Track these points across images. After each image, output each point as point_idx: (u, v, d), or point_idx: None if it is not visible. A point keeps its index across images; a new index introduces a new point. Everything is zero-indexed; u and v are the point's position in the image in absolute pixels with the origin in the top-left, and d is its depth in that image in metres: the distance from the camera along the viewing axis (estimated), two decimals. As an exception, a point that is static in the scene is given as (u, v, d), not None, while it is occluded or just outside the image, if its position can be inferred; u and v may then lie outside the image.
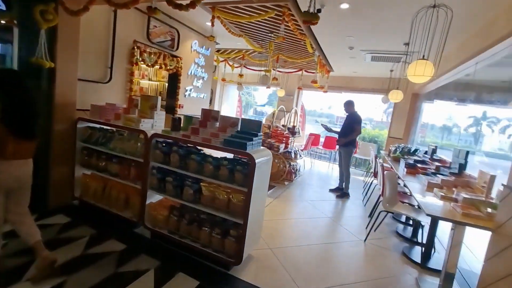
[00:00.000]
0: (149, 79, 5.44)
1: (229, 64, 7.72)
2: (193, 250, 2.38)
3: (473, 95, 5.97)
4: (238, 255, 2.20)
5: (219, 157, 2.34)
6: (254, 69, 8.08)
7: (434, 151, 4.19)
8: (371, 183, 5.32)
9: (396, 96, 4.54)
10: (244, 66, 8.15)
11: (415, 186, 2.92)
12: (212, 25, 3.50)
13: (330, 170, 7.62)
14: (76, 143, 3.01)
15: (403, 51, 4.54)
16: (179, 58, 4.36)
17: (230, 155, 2.37)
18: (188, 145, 2.54)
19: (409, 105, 6.92)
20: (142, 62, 3.74)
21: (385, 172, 3.21)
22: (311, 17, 2.17)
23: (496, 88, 5.65)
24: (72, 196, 3.08)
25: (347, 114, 4.94)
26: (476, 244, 3.46)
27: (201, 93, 5.16)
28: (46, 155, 2.84)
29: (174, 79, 4.55)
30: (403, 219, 4.12)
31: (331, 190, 5.21)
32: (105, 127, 3.03)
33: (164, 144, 2.51)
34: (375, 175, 4.94)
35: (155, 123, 2.85)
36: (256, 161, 2.09)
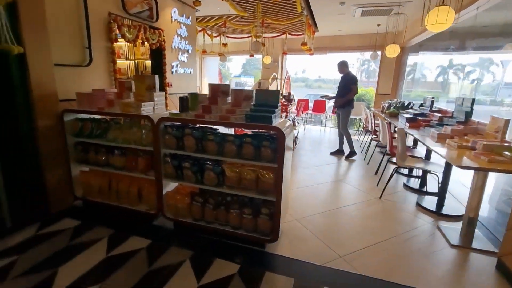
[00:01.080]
0: (126, 58, 4.89)
1: (207, 33, 7.14)
2: (223, 234, 2.29)
3: (457, 43, 6.02)
4: (274, 232, 2.14)
5: (232, 134, 2.16)
6: (235, 37, 7.56)
7: (432, 103, 4.25)
8: (370, 141, 5.41)
9: (394, 50, 4.44)
10: (223, 35, 7.60)
11: (424, 139, 2.95)
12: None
13: (322, 134, 7.66)
14: (67, 139, 2.67)
15: (395, 1, 4.36)
16: (160, 30, 3.88)
17: (234, 132, 2.20)
18: (200, 125, 2.32)
19: (395, 60, 6.90)
20: (121, 38, 3.28)
21: (397, 128, 3.21)
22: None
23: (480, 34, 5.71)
24: (74, 197, 2.81)
25: (341, 75, 4.81)
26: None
27: (187, 68, 4.74)
28: (35, 157, 2.50)
29: (157, 55, 4.10)
30: (404, 171, 4.28)
31: (332, 153, 5.25)
32: (97, 116, 2.70)
33: (174, 128, 2.27)
34: (374, 132, 5.01)
35: (156, 106, 2.56)
36: (285, 134, 1.95)
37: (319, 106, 8.24)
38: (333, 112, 7.11)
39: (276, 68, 8.36)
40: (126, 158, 2.59)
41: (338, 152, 5.21)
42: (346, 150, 5.14)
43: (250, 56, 7.51)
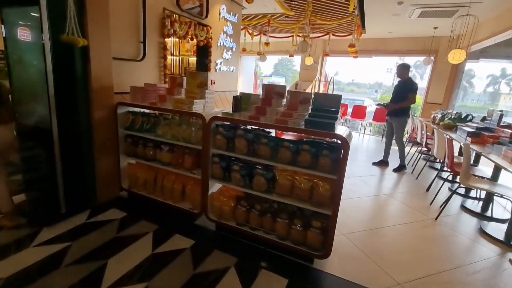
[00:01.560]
0: (171, 54, 4.97)
1: (248, 32, 7.09)
2: (268, 243, 2.17)
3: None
4: (326, 248, 1.97)
5: (287, 139, 2.02)
6: (275, 36, 7.43)
7: (501, 117, 3.77)
8: (419, 153, 4.99)
9: (459, 56, 4.00)
10: (264, 34, 7.50)
11: (492, 158, 2.59)
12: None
13: (360, 141, 7.27)
14: (118, 131, 2.72)
15: (463, 1, 3.93)
16: (208, 27, 3.87)
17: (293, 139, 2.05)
18: (253, 127, 2.22)
19: (451, 66, 6.30)
20: (174, 34, 3.30)
21: (462, 144, 2.86)
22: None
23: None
24: (120, 187, 2.87)
25: (399, 79, 4.42)
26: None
27: (230, 66, 4.71)
28: (90, 146, 2.57)
29: (203, 52, 4.10)
30: (461, 191, 3.85)
31: (374, 164, 4.91)
32: (147, 111, 2.72)
33: (226, 128, 2.20)
34: (426, 145, 4.59)
35: (206, 104, 2.52)
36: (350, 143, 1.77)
37: (358, 112, 7.84)
38: (382, 120, 6.66)
39: (315, 70, 8.09)
40: (173, 155, 2.57)
41: (382, 163, 4.86)
42: (391, 161, 4.78)
43: (290, 56, 7.34)
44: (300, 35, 4.67)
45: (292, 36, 7.18)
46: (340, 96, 2.07)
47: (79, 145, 2.51)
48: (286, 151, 1.99)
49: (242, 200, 2.30)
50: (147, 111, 2.73)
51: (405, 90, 4.22)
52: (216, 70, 4.30)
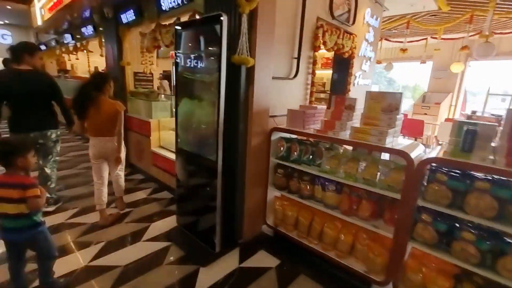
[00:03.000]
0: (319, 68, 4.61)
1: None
2: None
3: None
4: None
5: None
6: (399, 41, 6.31)
7: None
8: None
9: None
10: (386, 39, 6.49)
11: None
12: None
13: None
14: (270, 160, 2.38)
15: None
16: (354, 35, 3.29)
17: None
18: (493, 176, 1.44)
19: None
20: (324, 46, 2.84)
21: None
22: None
23: None
24: (264, 222, 2.51)
25: None
26: None
27: (366, 79, 4.00)
28: (242, 176, 2.29)
29: (342, 64, 3.54)
30: None
31: None
32: (304, 138, 2.29)
33: (452, 176, 1.49)
34: None
35: (395, 134, 1.88)
36: None
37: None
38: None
39: (454, 78, 6.48)
40: (342, 196, 2.03)
41: None
42: None
43: (421, 62, 6.07)
44: (470, 35, 3.60)
45: (426, 39, 5.94)
46: None
47: (233, 176, 2.25)
48: None
49: (467, 282, 1.53)
50: (304, 138, 2.29)
51: None
52: (354, 84, 3.66)
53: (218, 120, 1.95)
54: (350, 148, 2.16)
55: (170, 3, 2.68)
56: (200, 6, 2.53)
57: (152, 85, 4.40)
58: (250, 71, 2.09)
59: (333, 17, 2.90)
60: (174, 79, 2.29)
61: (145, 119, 3.59)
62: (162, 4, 2.78)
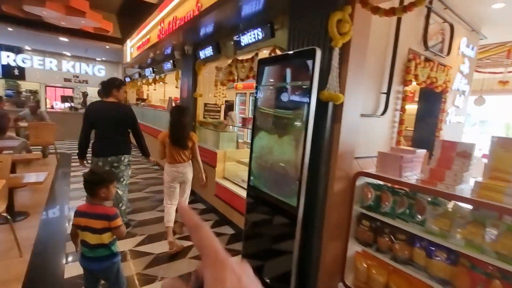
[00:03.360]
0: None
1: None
2: None
3: None
4: None
5: None
6: (493, 72, 5.46)
7: None
8: None
9: None
10: (477, 71, 5.69)
11: None
12: None
13: None
14: (353, 208, 2.05)
15: None
16: (448, 67, 2.87)
17: None
18: None
19: None
20: (415, 80, 2.51)
21: None
22: None
23: None
24: (340, 279, 2.12)
25: None
26: None
27: (460, 116, 3.43)
28: (320, 226, 1.99)
29: (431, 99, 3.10)
30: None
31: None
32: (395, 186, 1.92)
33: None
34: None
35: (544, 196, 1.40)
36: None
37: None
38: None
39: None
40: (458, 269, 1.56)
41: None
42: None
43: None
44: None
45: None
46: None
47: (311, 224, 1.97)
48: None
49: None
50: (395, 186, 1.93)
51: None
52: (446, 122, 3.15)
53: (303, 161, 1.75)
54: (463, 204, 1.72)
55: (250, 39, 2.73)
56: (281, 42, 2.50)
57: (219, 116, 4.53)
58: (338, 107, 1.89)
59: (426, 48, 2.58)
60: (252, 111, 2.21)
61: (212, 149, 3.62)
62: (242, 40, 2.84)
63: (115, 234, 1.63)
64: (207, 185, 2.95)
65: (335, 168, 1.94)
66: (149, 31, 5.48)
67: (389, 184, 1.97)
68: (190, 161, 2.79)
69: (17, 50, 9.34)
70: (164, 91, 7.21)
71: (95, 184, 1.60)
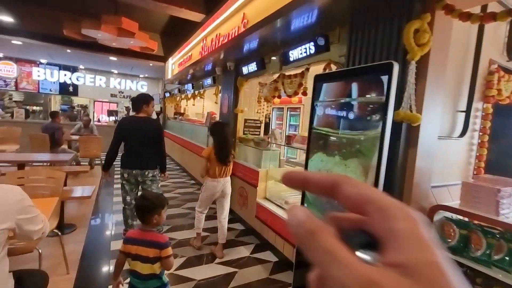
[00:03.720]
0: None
1: None
2: None
3: None
4: None
5: None
6: None
7: None
8: None
9: None
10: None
11: None
12: None
13: None
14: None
15: None
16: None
17: None
18: None
19: None
20: (497, 95, 2.15)
21: None
22: None
23: None
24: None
25: None
26: None
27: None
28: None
29: (507, 116, 2.66)
30: None
31: None
32: (483, 224, 1.56)
33: None
34: None
35: None
36: None
37: None
38: None
39: None
40: None
41: None
42: None
43: None
44: None
45: None
46: None
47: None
48: None
49: None
50: (488, 227, 1.57)
51: None
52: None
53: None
54: None
55: (300, 54, 2.58)
56: (335, 56, 2.32)
57: (259, 132, 4.41)
58: (414, 129, 1.63)
59: (510, 58, 2.21)
60: (308, 129, 2.02)
61: (253, 167, 3.47)
62: (291, 55, 2.71)
63: (163, 264, 1.51)
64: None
65: (409, 200, 1.65)
66: (191, 48, 5.64)
67: (476, 221, 1.63)
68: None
69: (73, 69, 10.30)
70: (203, 105, 7.35)
71: (147, 211, 1.51)
